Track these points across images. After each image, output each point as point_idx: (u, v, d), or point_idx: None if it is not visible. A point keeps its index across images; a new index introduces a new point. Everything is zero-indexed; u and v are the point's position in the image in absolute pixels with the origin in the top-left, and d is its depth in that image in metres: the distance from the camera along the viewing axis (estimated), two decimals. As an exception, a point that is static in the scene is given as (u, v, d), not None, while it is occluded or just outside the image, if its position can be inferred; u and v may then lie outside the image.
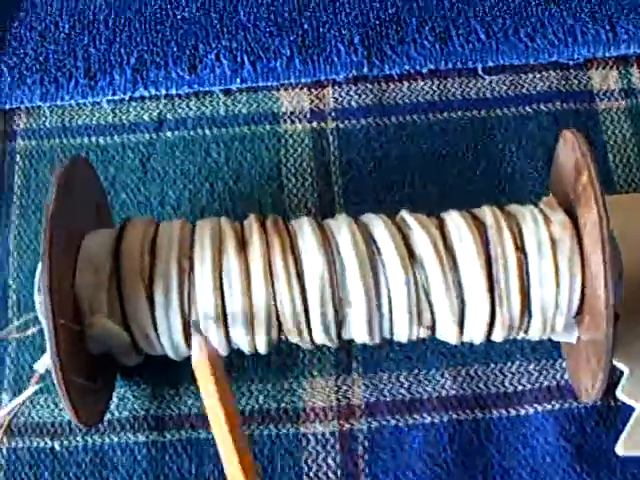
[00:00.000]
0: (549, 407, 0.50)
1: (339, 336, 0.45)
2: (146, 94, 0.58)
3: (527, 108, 0.58)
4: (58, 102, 0.58)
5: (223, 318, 0.44)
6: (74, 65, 0.58)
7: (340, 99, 0.58)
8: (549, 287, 0.44)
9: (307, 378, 0.50)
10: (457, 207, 0.46)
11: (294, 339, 0.45)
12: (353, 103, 0.58)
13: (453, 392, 0.50)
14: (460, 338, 0.45)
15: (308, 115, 0.57)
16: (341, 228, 0.45)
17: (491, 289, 0.44)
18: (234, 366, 0.50)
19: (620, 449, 0.49)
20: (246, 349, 0.46)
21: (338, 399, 0.50)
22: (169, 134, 0.57)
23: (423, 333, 0.45)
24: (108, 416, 0.50)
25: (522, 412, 0.50)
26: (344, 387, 0.50)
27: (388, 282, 0.44)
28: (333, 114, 0.57)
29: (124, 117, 0.58)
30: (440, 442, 0.49)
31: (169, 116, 0.58)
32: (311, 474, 0.48)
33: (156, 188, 0.56)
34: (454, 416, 0.49)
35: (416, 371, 0.51)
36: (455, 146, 0.56)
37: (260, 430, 0.49)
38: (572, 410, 0.49)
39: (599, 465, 0.48)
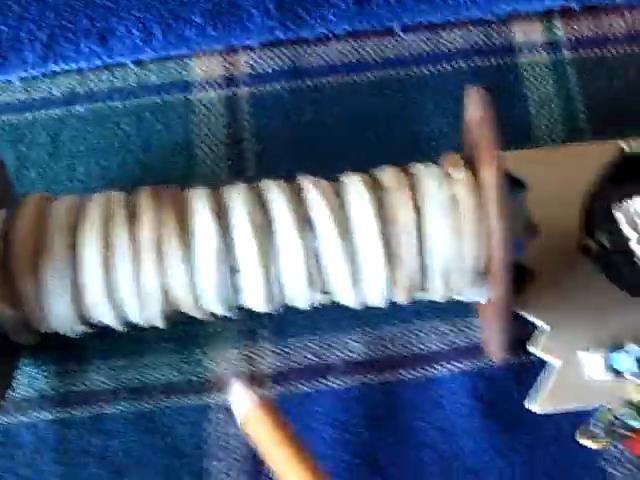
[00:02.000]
0: (461, 367, 0.50)
1: (237, 306, 0.47)
2: (57, 69, 0.60)
3: (446, 66, 0.58)
4: (-32, 81, 0.60)
5: (113, 294, 0.44)
6: (-16, 44, 0.60)
7: (254, 65, 0.59)
8: (449, 247, 0.44)
9: (213, 347, 0.52)
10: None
11: (191, 312, 0.46)
12: (267, 68, 0.59)
13: (363, 355, 0.51)
14: (360, 302, 0.46)
15: (221, 82, 0.59)
16: (235, 195, 0.45)
17: (388, 252, 0.44)
18: (137, 339, 0.52)
19: (534, 406, 0.49)
20: (143, 324, 0.47)
21: (245, 367, 0.51)
22: (80, 108, 0.59)
23: (322, 299, 0.46)
24: (15, 395, 0.51)
25: (433, 372, 0.51)
26: (252, 355, 0.52)
27: (282, 248, 0.44)
28: (246, 80, 0.59)
29: (35, 94, 0.60)
30: (348, 406, 0.50)
31: (80, 90, 0.59)
32: (215, 444, 0.49)
33: (65, 164, 0.57)
34: (364, 379, 0.50)
35: (326, 335, 0.52)
36: (371, 108, 0.57)
37: (164, 402, 0.51)
38: (484, 369, 0.50)
39: (512, 424, 0.49)
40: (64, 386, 0.51)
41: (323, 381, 0.51)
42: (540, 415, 0.49)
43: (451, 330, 0.52)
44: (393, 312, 0.52)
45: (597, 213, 0.48)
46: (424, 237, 0.44)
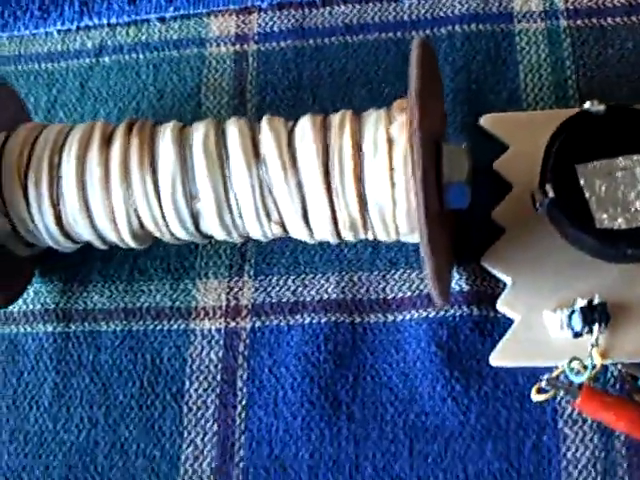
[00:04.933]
0: (424, 314, 0.47)
1: (199, 231, 0.44)
2: (90, 24, 0.58)
3: (442, 30, 0.54)
4: (15, 32, 0.59)
5: (87, 211, 0.43)
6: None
7: (264, 24, 0.56)
8: (384, 186, 0.41)
9: (202, 279, 0.50)
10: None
11: (156, 233, 0.44)
12: (275, 28, 0.56)
13: (334, 296, 0.48)
14: (310, 235, 0.43)
15: (233, 39, 0.56)
16: (197, 129, 0.44)
17: (329, 188, 0.41)
18: (136, 266, 0.50)
19: (494, 359, 0.45)
20: (117, 242, 0.45)
21: (228, 299, 0.49)
22: (107, 59, 0.57)
23: (275, 230, 0.44)
24: (23, 307, 0.50)
25: (399, 318, 0.47)
26: (235, 288, 0.49)
27: (235, 179, 0.42)
28: (256, 38, 0.56)
29: (70, 45, 0.58)
30: (316, 342, 0.47)
31: (109, 43, 0.58)
32: (194, 367, 0.48)
33: (90, 107, 0.56)
34: (332, 318, 0.47)
35: (303, 275, 0.49)
36: (366, 67, 0.53)
37: (154, 325, 0.49)
38: (447, 318, 0.46)
39: (470, 373, 0.45)
40: (66, 302, 0.50)
41: (296, 317, 0.48)
42: (501, 369, 0.45)
43: (422, 280, 0.48)
44: (370, 259, 0.49)
45: (547, 165, 0.43)
46: (362, 175, 0.41)
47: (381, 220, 0.42)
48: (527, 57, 0.52)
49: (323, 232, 0.44)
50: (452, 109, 0.51)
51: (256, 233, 0.44)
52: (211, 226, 0.44)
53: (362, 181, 0.41)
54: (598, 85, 0.51)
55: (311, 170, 0.42)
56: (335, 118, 0.43)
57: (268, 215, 0.43)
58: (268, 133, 0.43)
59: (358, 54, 0.54)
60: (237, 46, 0.56)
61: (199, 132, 0.44)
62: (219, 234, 0.44)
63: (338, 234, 0.44)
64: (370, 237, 0.44)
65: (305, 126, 0.43)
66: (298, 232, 0.44)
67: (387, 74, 0.53)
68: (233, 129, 0.43)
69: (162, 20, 0.58)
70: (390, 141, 0.41)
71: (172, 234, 0.45)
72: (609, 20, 0.53)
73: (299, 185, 0.42)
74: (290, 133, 0.43)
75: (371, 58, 0.54)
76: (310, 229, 0.44)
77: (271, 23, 0.56)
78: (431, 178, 0.42)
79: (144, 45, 0.57)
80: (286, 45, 0.55)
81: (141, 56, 0.57)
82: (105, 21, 0.58)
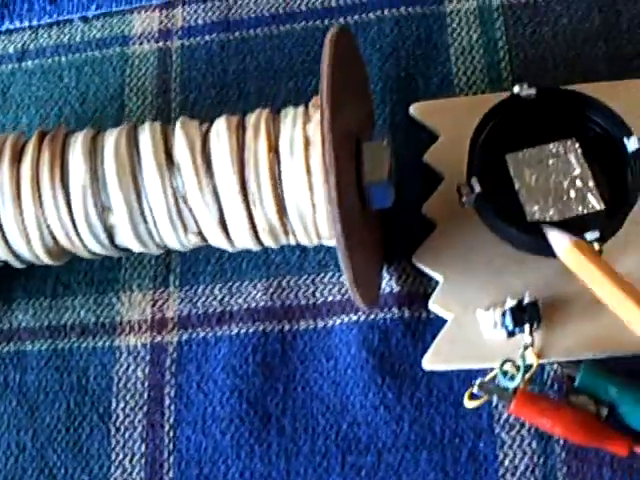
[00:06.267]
0: (355, 318, 0.44)
1: (114, 244, 0.42)
2: (12, 27, 0.55)
3: (370, 15, 0.50)
4: None
5: (0, 229, 0.41)
6: (-50, 3, 0.56)
7: (188, 18, 0.53)
8: (302, 190, 0.38)
9: (126, 292, 0.47)
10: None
11: (71, 249, 0.42)
12: (200, 21, 0.52)
13: (262, 303, 0.45)
14: (231, 244, 0.41)
15: (156, 35, 0.53)
16: (109, 137, 0.41)
17: (245, 194, 0.38)
18: (60, 282, 0.48)
19: (426, 363, 0.42)
20: (33, 260, 0.43)
21: (153, 312, 0.46)
22: (29, 63, 0.54)
23: (193, 239, 0.41)
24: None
25: (329, 323, 0.44)
26: (160, 300, 0.46)
27: (148, 188, 0.39)
28: (180, 33, 0.52)
29: (-9, 50, 0.55)
30: (244, 353, 0.44)
31: (32, 46, 0.55)
32: (120, 385, 0.45)
33: (12, 115, 0.53)
34: (261, 327, 0.45)
35: (230, 283, 0.46)
36: (293, 59, 0.50)
37: (79, 343, 0.46)
38: (377, 321, 0.43)
39: (402, 379, 0.42)
40: (-10, 323, 0.48)
41: (224, 328, 0.45)
42: (435, 374, 0.42)
43: (353, 281, 0.45)
44: (298, 263, 0.46)
45: (473, 156, 0.40)
46: (279, 179, 0.38)
47: (302, 225, 0.39)
48: (458, 39, 0.49)
49: (243, 240, 0.41)
50: (381, 99, 0.48)
51: (174, 244, 0.42)
52: (126, 239, 0.41)
53: (280, 185, 0.39)
54: (533, 65, 0.48)
55: (226, 176, 0.39)
56: (251, 118, 0.40)
57: (184, 225, 0.40)
58: (181, 138, 0.40)
59: (285, 45, 0.51)
60: (160, 43, 0.52)
61: (110, 140, 0.41)
62: (135, 246, 0.42)
63: (259, 241, 0.41)
64: (292, 242, 0.41)
65: (220, 128, 0.40)
66: (217, 241, 0.41)
67: (315, 65, 0.50)
68: (145, 135, 0.40)
69: (85, 19, 0.54)
70: (307, 141, 0.38)
71: (87, 249, 0.42)
72: (546, -6, 0.49)
73: (215, 192, 0.39)
74: (205, 136, 0.40)
75: (298, 49, 0.50)
76: (229, 237, 0.41)
77: (195, 16, 0.53)
78: (349, 179, 0.39)
79: (66, 47, 0.54)
80: (211, 39, 0.52)
81: (63, 59, 0.54)
82: (27, 23, 0.55)
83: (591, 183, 0.41)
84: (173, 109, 0.50)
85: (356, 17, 0.50)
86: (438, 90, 0.48)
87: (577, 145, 0.42)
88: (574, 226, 0.40)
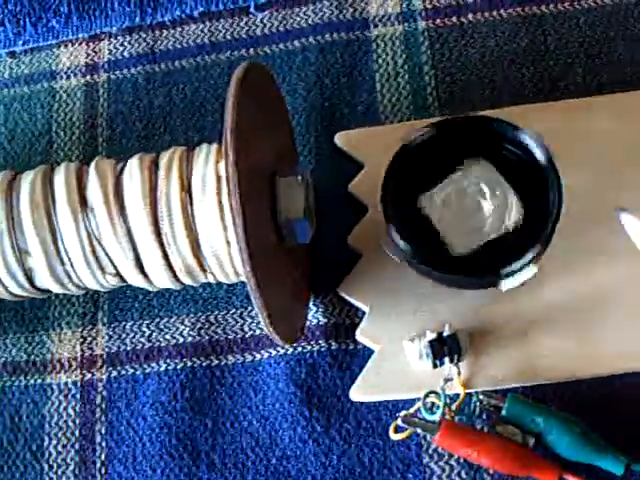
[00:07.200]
0: (282, 351, 0.43)
1: (34, 286, 0.41)
2: (-60, 64, 0.54)
3: (295, 43, 0.50)
4: None
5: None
6: None
7: (114, 50, 0.52)
8: (215, 228, 0.37)
9: (56, 330, 0.46)
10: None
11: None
12: (126, 54, 0.52)
13: (190, 339, 0.45)
14: (150, 284, 0.40)
15: (83, 69, 0.52)
16: (25, 179, 0.40)
17: (158, 232, 0.38)
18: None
19: (354, 394, 0.42)
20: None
21: (82, 350, 0.46)
22: (-43, 101, 0.53)
23: (112, 280, 0.40)
24: None
25: (257, 357, 0.44)
26: (89, 338, 0.46)
27: (63, 230, 0.39)
28: (106, 66, 0.52)
29: None
30: (172, 390, 0.44)
31: (-40, 84, 0.54)
32: (52, 423, 0.44)
33: (-59, 155, 0.52)
34: (189, 363, 0.44)
35: (158, 319, 0.45)
36: (218, 90, 0.50)
37: (11, 382, 0.46)
38: (305, 355, 0.43)
39: (330, 411, 0.42)
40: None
41: (152, 364, 0.45)
42: (363, 405, 0.42)
43: (282, 312, 0.44)
44: (226, 297, 0.45)
45: (387, 202, 0.39)
46: (192, 218, 0.37)
47: (217, 263, 0.39)
48: (384, 65, 0.49)
49: (161, 280, 0.40)
50: (306, 129, 0.47)
51: (93, 285, 0.41)
52: (45, 281, 0.41)
53: (193, 224, 0.38)
54: (458, 90, 0.47)
55: (139, 216, 0.38)
56: (164, 157, 0.40)
57: (101, 266, 0.39)
58: (94, 179, 0.39)
59: (211, 75, 0.50)
60: (87, 77, 0.52)
61: (27, 182, 0.40)
62: (55, 288, 0.41)
63: (178, 280, 0.41)
64: (212, 280, 0.41)
65: (133, 168, 0.39)
66: (135, 281, 0.41)
67: (241, 95, 0.49)
68: (60, 177, 0.40)
69: (12, 55, 0.54)
70: (219, 179, 0.37)
71: (8, 291, 0.42)
72: (470, 16, 0.49)
73: (129, 233, 0.39)
74: (119, 177, 0.39)
75: (223, 80, 0.50)
76: (147, 278, 0.40)
77: (121, 49, 0.52)
78: (264, 215, 0.39)
79: (-6, 83, 0.53)
80: (137, 72, 0.51)
81: (-9, 95, 0.53)
82: (-45, 60, 0.54)
83: (509, 203, 0.40)
84: (100, 143, 0.50)
85: (281, 45, 0.50)
86: (363, 118, 0.47)
87: (487, 168, 0.40)
88: (499, 249, 0.39)
